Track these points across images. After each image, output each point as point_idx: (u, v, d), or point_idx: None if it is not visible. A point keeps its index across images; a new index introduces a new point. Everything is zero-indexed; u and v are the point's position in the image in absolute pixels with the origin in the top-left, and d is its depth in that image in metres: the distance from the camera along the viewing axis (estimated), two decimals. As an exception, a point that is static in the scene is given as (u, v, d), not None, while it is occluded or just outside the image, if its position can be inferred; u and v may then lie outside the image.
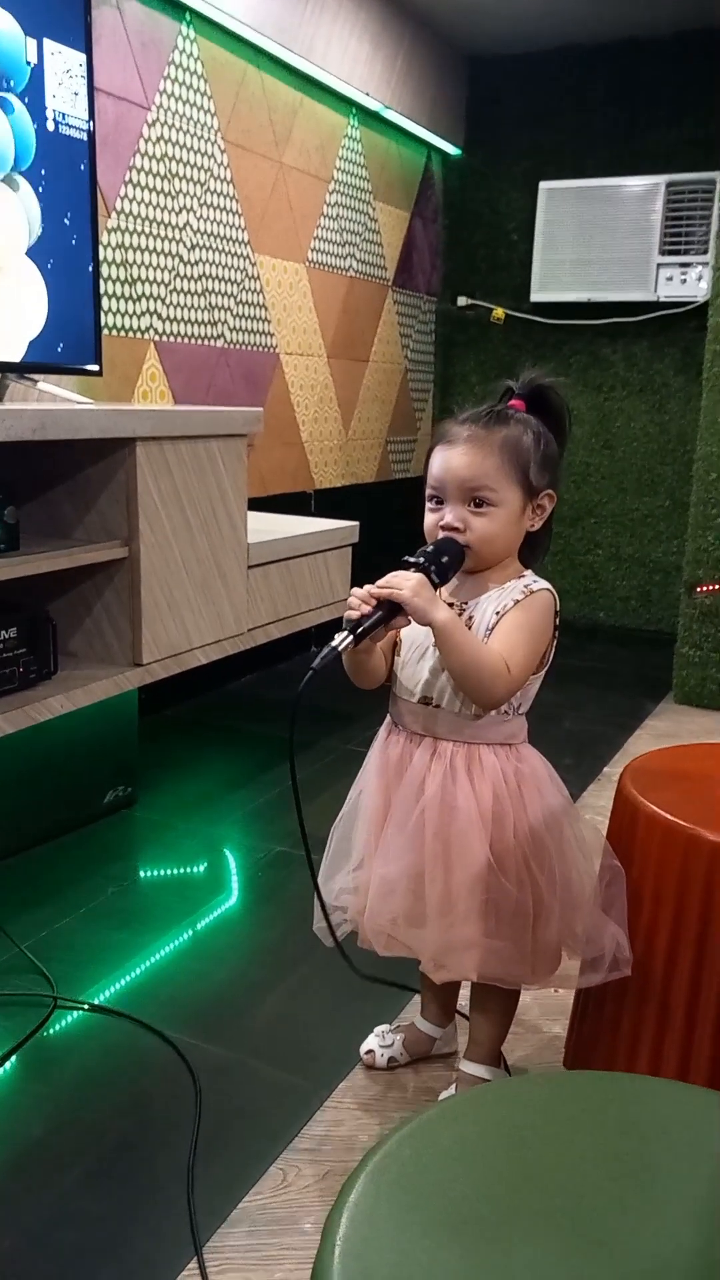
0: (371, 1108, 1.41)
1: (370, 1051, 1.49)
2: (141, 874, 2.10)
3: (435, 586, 1.19)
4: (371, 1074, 1.48)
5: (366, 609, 1.17)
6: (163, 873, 2.12)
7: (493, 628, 1.23)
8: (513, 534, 1.25)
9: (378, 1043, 1.50)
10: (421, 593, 1.15)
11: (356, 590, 1.19)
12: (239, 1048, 1.53)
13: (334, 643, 1.16)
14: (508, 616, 1.23)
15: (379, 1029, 1.52)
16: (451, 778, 1.24)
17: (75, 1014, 1.62)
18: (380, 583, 1.18)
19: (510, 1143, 0.70)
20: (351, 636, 1.16)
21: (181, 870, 2.13)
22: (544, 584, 1.26)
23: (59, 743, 2.14)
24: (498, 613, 1.23)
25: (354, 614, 1.17)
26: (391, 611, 1.17)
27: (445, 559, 1.20)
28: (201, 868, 2.14)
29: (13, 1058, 1.50)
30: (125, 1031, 1.57)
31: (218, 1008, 1.64)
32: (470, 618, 1.25)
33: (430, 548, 1.22)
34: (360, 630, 1.16)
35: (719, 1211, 0.65)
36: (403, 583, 1.16)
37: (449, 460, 1.22)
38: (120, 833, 2.25)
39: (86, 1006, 1.63)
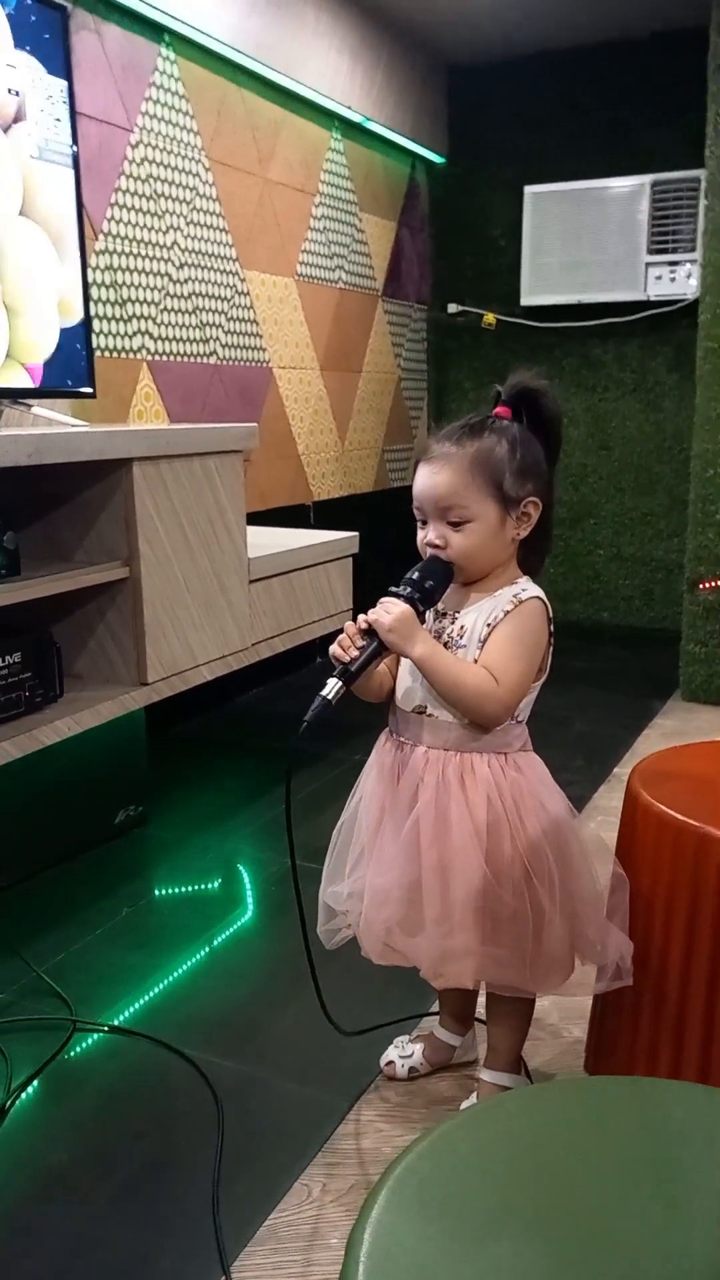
0: (394, 1119, 1.41)
1: (390, 1063, 1.49)
2: (155, 893, 2.10)
3: (422, 612, 1.22)
4: (393, 1085, 1.47)
5: (354, 652, 1.21)
6: (176, 891, 2.12)
7: (485, 640, 1.23)
8: (496, 546, 1.25)
9: (397, 1053, 1.50)
10: (398, 628, 1.19)
11: (348, 625, 1.23)
12: (259, 1063, 1.53)
13: (324, 691, 1.19)
14: (498, 628, 1.23)
15: (398, 1040, 1.52)
16: (445, 787, 1.24)
17: (95, 1036, 1.62)
18: (369, 614, 1.22)
19: (530, 1151, 0.70)
20: (341, 683, 1.20)
21: (195, 887, 2.13)
22: (534, 591, 1.25)
23: (68, 764, 2.14)
24: (489, 624, 1.24)
25: (344, 656, 1.21)
26: (382, 644, 1.21)
27: (430, 583, 1.23)
28: (215, 884, 2.14)
29: (35, 1082, 1.50)
30: (145, 1051, 1.57)
31: (236, 1024, 1.64)
32: (462, 627, 1.25)
33: (415, 574, 1.24)
34: (351, 673, 1.20)
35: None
36: (384, 616, 1.20)
37: (424, 479, 1.24)
38: (132, 852, 2.25)
39: (106, 1028, 1.63)
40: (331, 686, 1.19)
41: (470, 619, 1.25)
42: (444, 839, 1.23)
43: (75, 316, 2.15)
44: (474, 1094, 1.41)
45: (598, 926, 1.26)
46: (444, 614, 1.27)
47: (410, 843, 1.24)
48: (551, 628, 1.27)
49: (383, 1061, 1.49)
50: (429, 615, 1.26)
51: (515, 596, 1.24)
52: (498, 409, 1.26)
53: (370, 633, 1.21)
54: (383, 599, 1.23)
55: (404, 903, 1.26)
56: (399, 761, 1.29)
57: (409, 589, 1.22)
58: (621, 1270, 0.61)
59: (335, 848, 1.36)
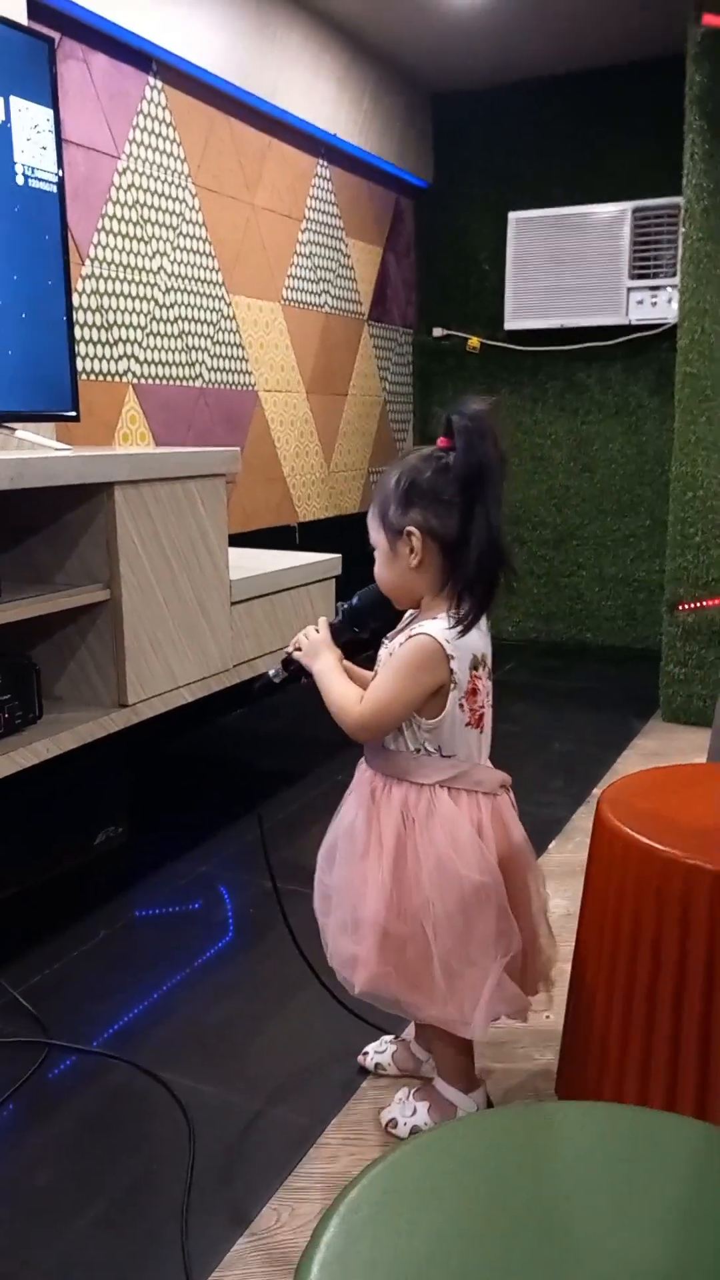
0: (366, 1143, 1.41)
1: (365, 1053, 1.56)
2: (134, 914, 2.10)
3: (346, 629, 1.40)
4: (367, 1110, 1.48)
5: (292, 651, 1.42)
6: (155, 912, 2.12)
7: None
8: (395, 574, 1.31)
9: (374, 1047, 1.56)
10: (306, 646, 1.39)
11: (300, 636, 1.42)
12: (234, 1086, 1.54)
13: (270, 673, 1.45)
14: (392, 657, 1.31)
15: (383, 1037, 1.58)
16: (363, 803, 1.35)
17: (70, 1058, 1.62)
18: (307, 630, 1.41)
19: (481, 1177, 0.71)
20: (282, 669, 1.43)
21: (174, 909, 2.13)
22: (427, 630, 1.26)
23: (48, 785, 2.15)
24: (390, 652, 1.31)
25: (289, 651, 1.42)
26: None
27: (357, 603, 1.40)
28: (194, 906, 2.14)
29: (9, 1105, 1.50)
30: (120, 1074, 1.57)
31: (212, 1047, 1.64)
32: (389, 652, 1.33)
33: (355, 596, 1.41)
34: (290, 667, 1.42)
35: (681, 1236, 0.66)
36: (308, 633, 1.40)
37: None
38: (112, 873, 2.26)
39: (81, 1051, 1.63)
40: (273, 670, 1.44)
41: (388, 648, 1.33)
42: (353, 851, 1.34)
43: None
44: (409, 1089, 1.45)
45: (472, 1000, 1.29)
46: (392, 637, 1.35)
47: (341, 851, 1.37)
48: (452, 666, 1.26)
49: (361, 1052, 1.57)
50: (385, 639, 1.36)
51: (409, 632, 1.29)
52: (440, 439, 1.26)
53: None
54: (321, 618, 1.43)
55: (330, 904, 1.38)
56: (355, 781, 1.41)
57: (342, 607, 1.41)
58: (564, 1294, 0.62)
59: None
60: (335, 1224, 0.66)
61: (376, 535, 1.32)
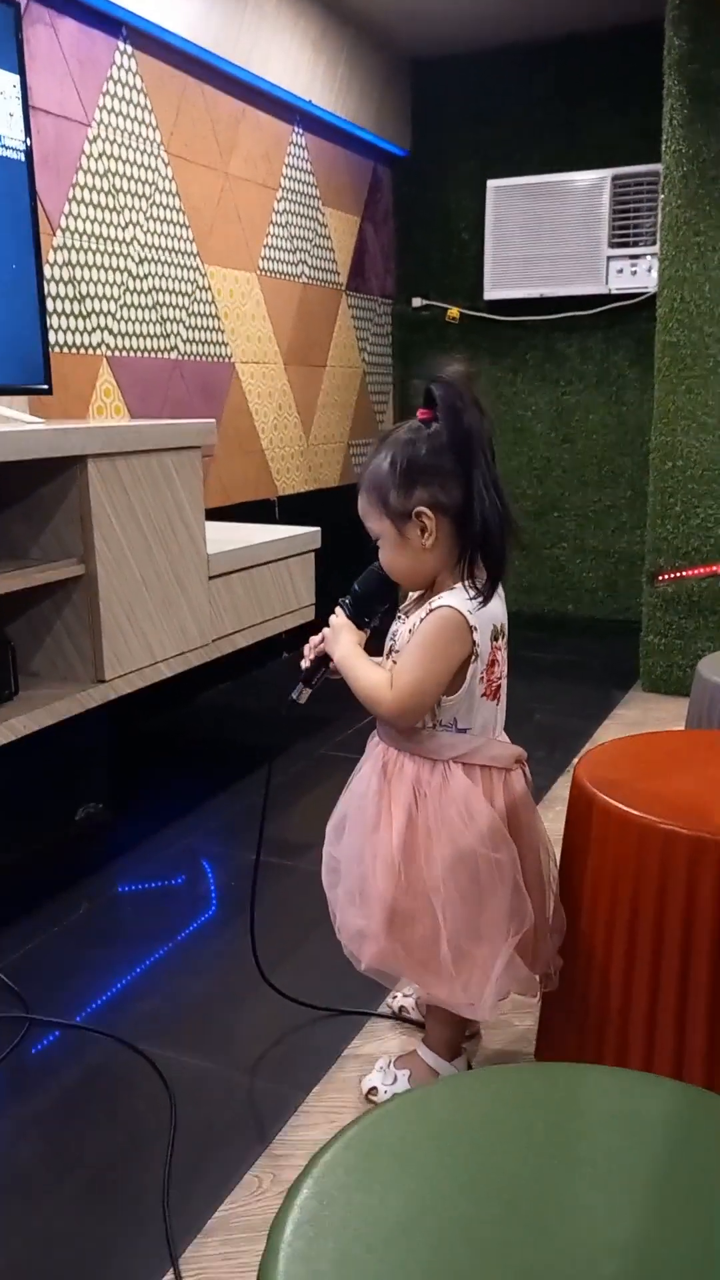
0: (348, 1110, 1.42)
1: (395, 995, 1.60)
2: (115, 889, 2.10)
3: (356, 617, 1.34)
4: (347, 1078, 1.49)
5: (312, 657, 1.37)
6: (137, 887, 2.12)
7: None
8: (407, 558, 1.26)
9: (402, 989, 1.60)
10: (329, 633, 1.35)
11: (313, 639, 1.38)
12: (215, 1058, 1.54)
13: (293, 695, 1.38)
14: (414, 635, 1.26)
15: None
16: (376, 776, 1.33)
17: (51, 1033, 1.62)
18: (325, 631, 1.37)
19: (453, 1140, 0.71)
20: (303, 685, 1.38)
21: (156, 883, 2.13)
22: (447, 601, 1.23)
23: (27, 760, 2.14)
24: (410, 630, 1.27)
25: (305, 664, 1.37)
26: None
27: (359, 589, 1.34)
28: (176, 880, 2.14)
29: (-12, 1081, 1.51)
30: (102, 1048, 1.57)
31: (194, 1019, 1.65)
32: (408, 631, 1.29)
33: (356, 583, 1.35)
34: (313, 679, 1.38)
35: (656, 1194, 0.67)
36: (329, 625, 1.35)
37: None
38: (93, 848, 2.25)
39: (62, 1025, 1.63)
40: (296, 691, 1.39)
41: (404, 626, 1.30)
42: (363, 824, 1.33)
43: None
44: (389, 1057, 1.47)
45: (485, 986, 1.28)
46: (402, 618, 1.32)
47: (350, 823, 1.36)
48: (475, 638, 1.24)
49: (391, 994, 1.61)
50: (400, 616, 1.33)
51: (429, 605, 1.25)
52: (420, 410, 1.24)
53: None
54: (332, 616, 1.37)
55: (338, 875, 1.37)
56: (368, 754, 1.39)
57: (344, 601, 1.35)
58: (539, 1251, 0.63)
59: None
60: (309, 1186, 0.66)
61: (379, 524, 1.26)
